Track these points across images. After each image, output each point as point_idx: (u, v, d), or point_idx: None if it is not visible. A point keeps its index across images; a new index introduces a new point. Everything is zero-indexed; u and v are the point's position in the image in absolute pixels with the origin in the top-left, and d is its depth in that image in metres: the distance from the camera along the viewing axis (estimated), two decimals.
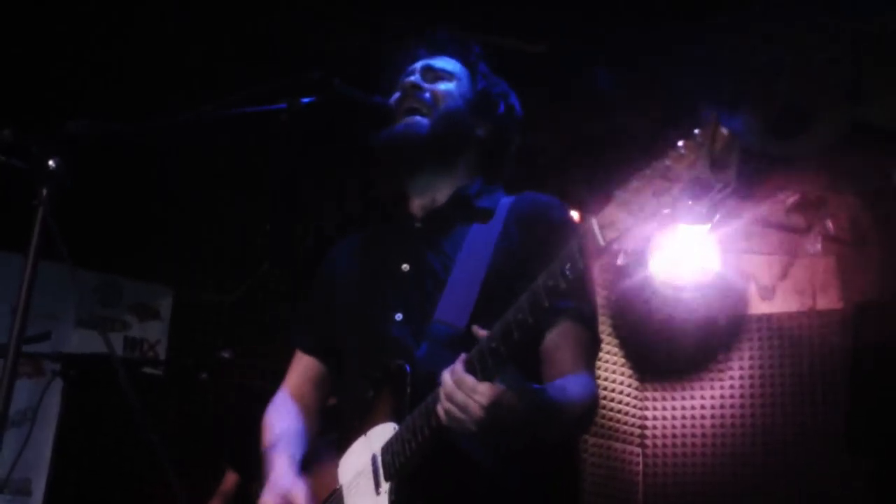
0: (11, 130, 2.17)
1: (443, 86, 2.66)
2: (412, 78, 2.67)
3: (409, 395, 2.33)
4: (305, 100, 2.44)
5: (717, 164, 1.69)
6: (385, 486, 2.32)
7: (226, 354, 4.75)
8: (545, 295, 2.00)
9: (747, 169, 1.70)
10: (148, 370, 5.46)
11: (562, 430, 2.33)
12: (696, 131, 1.71)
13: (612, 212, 1.84)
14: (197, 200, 5.57)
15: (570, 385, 2.33)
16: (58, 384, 4.47)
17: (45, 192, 2.19)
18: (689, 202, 1.72)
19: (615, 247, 1.85)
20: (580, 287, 2.40)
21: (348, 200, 5.42)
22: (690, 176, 1.71)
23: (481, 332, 2.12)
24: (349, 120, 2.59)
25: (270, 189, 5.46)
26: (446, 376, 2.11)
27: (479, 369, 2.08)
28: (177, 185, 5.41)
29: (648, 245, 5.76)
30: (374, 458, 2.37)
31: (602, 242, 1.86)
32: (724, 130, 1.69)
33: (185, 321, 5.74)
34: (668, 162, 1.74)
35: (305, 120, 2.43)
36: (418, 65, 2.73)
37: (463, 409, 2.06)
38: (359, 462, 2.42)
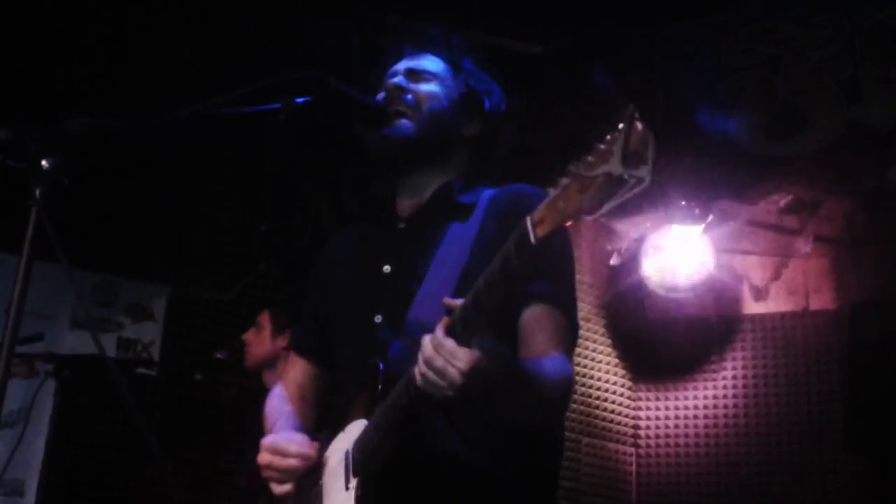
0: (7, 129, 2.17)
1: (426, 87, 2.65)
2: (395, 80, 2.65)
3: (379, 391, 2.34)
4: (300, 99, 2.44)
5: (630, 160, 1.72)
6: (353, 483, 2.34)
7: (220, 355, 4.75)
8: (485, 293, 2.03)
9: (665, 165, 1.74)
10: (141, 371, 5.46)
11: (535, 405, 2.31)
12: (618, 125, 1.75)
13: (543, 210, 1.89)
14: (193, 200, 5.57)
15: (544, 363, 2.32)
16: (51, 385, 4.47)
17: (38, 191, 2.19)
18: (606, 198, 1.77)
19: (547, 243, 1.91)
20: (554, 270, 2.44)
21: (345, 199, 5.41)
22: (605, 171, 1.75)
23: (453, 303, 2.12)
24: (346, 118, 2.59)
25: (267, 188, 5.46)
26: (426, 340, 2.10)
27: (459, 333, 2.07)
28: (172, 185, 5.41)
29: (642, 246, 5.77)
30: (346, 454, 2.40)
31: (534, 240, 1.90)
32: (639, 126, 1.73)
33: (179, 321, 5.73)
34: (590, 158, 1.78)
35: (302, 119, 2.43)
36: (401, 66, 2.71)
37: (441, 374, 2.06)
38: (336, 458, 2.45)
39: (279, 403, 2.80)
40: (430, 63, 2.72)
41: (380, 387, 2.35)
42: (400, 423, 2.23)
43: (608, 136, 1.76)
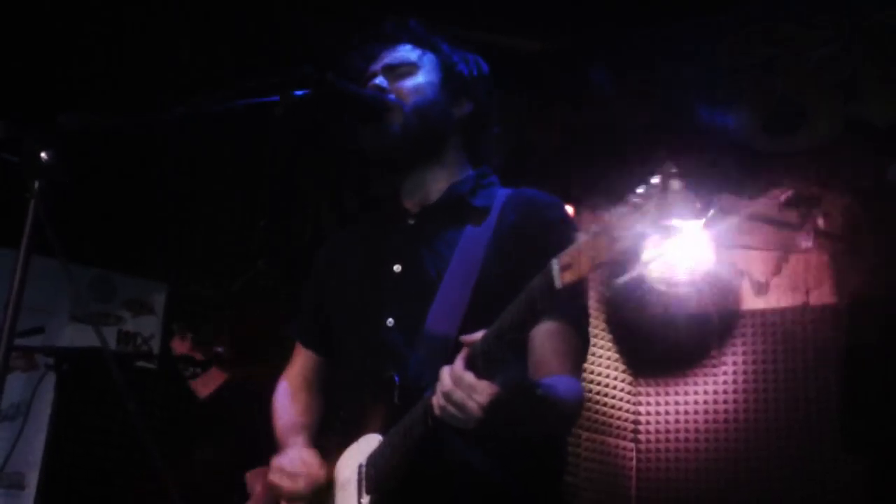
0: (3, 123, 2.17)
1: (408, 82, 2.62)
2: (376, 81, 2.63)
3: (395, 406, 2.33)
4: (298, 93, 2.43)
5: (665, 218, 1.73)
6: (365, 499, 2.34)
7: (219, 350, 4.75)
8: (510, 330, 2.02)
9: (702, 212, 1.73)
10: (141, 364, 5.46)
11: (550, 427, 2.34)
12: (653, 180, 1.75)
13: (572, 255, 1.88)
14: (192, 195, 5.57)
15: (559, 385, 2.31)
16: (51, 378, 4.47)
17: (36, 186, 2.19)
18: (639, 252, 1.77)
19: (574, 287, 1.91)
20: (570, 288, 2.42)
21: (345, 196, 5.41)
22: (640, 228, 1.74)
23: (469, 339, 2.10)
24: (345, 114, 2.59)
25: (266, 184, 5.46)
26: (444, 373, 2.08)
27: (480, 366, 2.06)
28: (172, 180, 5.41)
29: (641, 242, 5.75)
30: (359, 469, 2.39)
31: (559, 285, 1.90)
32: (676, 183, 1.73)
33: (179, 316, 5.73)
34: (623, 210, 1.78)
35: (300, 114, 2.43)
36: (377, 65, 2.68)
37: (461, 407, 2.04)
38: (348, 469, 2.44)
39: (286, 409, 2.79)
40: (405, 52, 2.68)
41: (396, 401, 2.34)
42: (416, 446, 2.23)
43: (642, 189, 1.75)
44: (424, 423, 2.18)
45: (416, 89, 2.61)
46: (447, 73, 2.66)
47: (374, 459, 2.34)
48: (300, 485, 2.47)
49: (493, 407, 2.03)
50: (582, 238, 1.85)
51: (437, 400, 2.09)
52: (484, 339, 2.06)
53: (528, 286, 1.98)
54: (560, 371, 2.36)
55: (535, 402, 2.18)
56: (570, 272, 1.88)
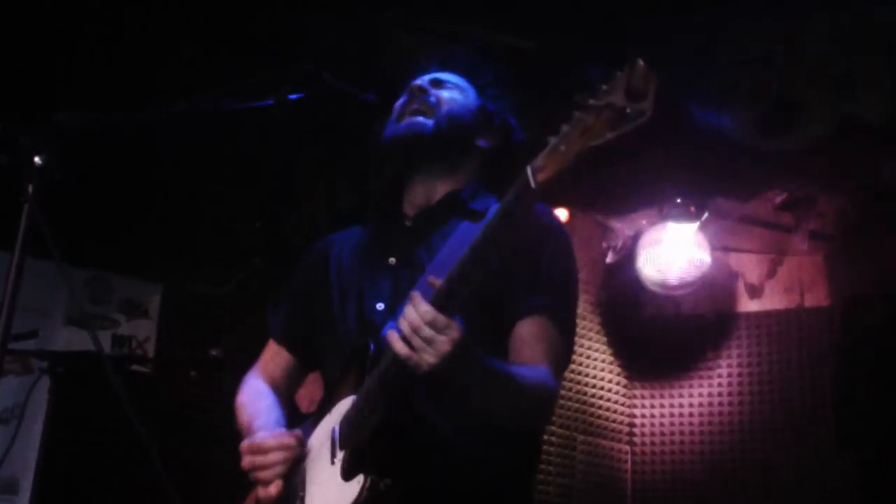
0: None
1: (448, 93, 2.73)
2: (419, 82, 2.74)
3: (369, 369, 2.33)
4: (293, 96, 2.45)
5: (632, 94, 1.78)
6: (339, 455, 2.32)
7: (215, 353, 4.74)
8: (481, 248, 2.05)
9: (665, 101, 1.78)
10: (136, 368, 5.45)
11: (510, 403, 2.32)
12: (618, 73, 1.82)
13: (544, 156, 1.93)
14: (187, 196, 5.56)
15: (523, 368, 2.34)
16: (45, 382, 4.45)
17: (31, 187, 2.19)
18: (608, 132, 1.82)
19: (549, 188, 1.94)
20: (557, 286, 2.47)
21: (341, 195, 5.41)
22: (606, 102, 1.81)
23: (438, 280, 2.12)
24: (341, 113, 2.61)
25: (262, 184, 5.46)
26: (409, 309, 2.09)
27: (447, 307, 2.08)
28: (167, 180, 5.40)
29: (637, 243, 5.77)
30: (333, 430, 2.39)
31: (534, 185, 1.93)
32: (641, 63, 1.79)
33: (174, 318, 5.72)
34: (591, 101, 1.84)
35: (297, 114, 2.44)
36: (427, 76, 2.79)
37: (430, 341, 2.06)
38: (322, 437, 2.44)
39: (253, 398, 2.77)
40: (456, 77, 2.81)
41: (369, 365, 2.34)
42: (391, 391, 2.22)
43: (610, 79, 1.82)
44: (395, 362, 2.18)
45: (454, 101, 2.72)
46: (483, 108, 2.77)
47: (348, 416, 2.34)
48: (273, 457, 2.44)
49: (462, 345, 2.06)
50: (551, 139, 1.91)
51: (398, 342, 2.10)
52: (460, 262, 2.08)
53: (503, 199, 2.02)
54: (534, 364, 2.37)
55: (490, 365, 2.20)
56: (545, 171, 1.92)
